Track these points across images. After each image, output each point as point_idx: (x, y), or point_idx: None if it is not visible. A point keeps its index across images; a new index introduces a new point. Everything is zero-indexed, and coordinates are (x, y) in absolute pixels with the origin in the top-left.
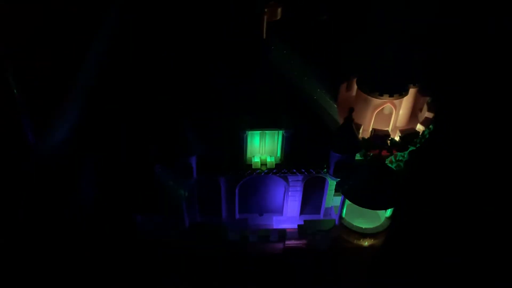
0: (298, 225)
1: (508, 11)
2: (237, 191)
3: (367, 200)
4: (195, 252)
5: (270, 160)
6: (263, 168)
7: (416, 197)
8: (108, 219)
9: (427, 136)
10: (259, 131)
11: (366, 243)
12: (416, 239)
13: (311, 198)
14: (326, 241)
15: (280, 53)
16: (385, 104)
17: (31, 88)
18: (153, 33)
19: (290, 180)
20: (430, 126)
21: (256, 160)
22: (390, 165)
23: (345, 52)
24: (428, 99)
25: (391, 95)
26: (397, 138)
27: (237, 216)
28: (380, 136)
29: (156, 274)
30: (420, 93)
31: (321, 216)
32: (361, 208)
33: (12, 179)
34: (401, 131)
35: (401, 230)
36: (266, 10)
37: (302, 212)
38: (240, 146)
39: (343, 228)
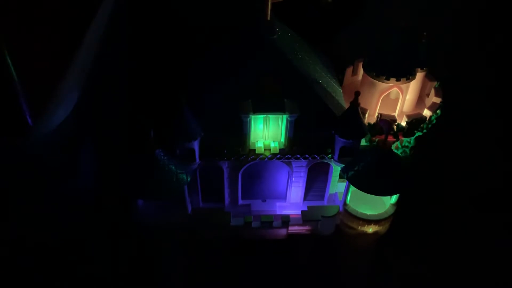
0: (302, 211)
1: None
2: (240, 176)
3: (372, 186)
4: (197, 237)
5: (274, 145)
6: (267, 153)
7: (422, 183)
8: (108, 204)
9: (434, 121)
10: (262, 116)
11: (370, 229)
12: (421, 225)
13: (315, 184)
14: (330, 227)
15: (284, 36)
16: (391, 88)
17: (29, 70)
18: (152, 13)
19: (294, 165)
20: (438, 111)
21: (260, 145)
22: (396, 150)
23: (351, 35)
24: (435, 83)
25: (397, 79)
26: (403, 123)
27: (240, 201)
28: (386, 121)
29: (157, 261)
30: (428, 77)
31: (325, 202)
32: (366, 194)
33: (10, 165)
34: (407, 116)
35: (406, 216)
36: None
37: (305, 198)
38: (243, 131)
39: (347, 215)
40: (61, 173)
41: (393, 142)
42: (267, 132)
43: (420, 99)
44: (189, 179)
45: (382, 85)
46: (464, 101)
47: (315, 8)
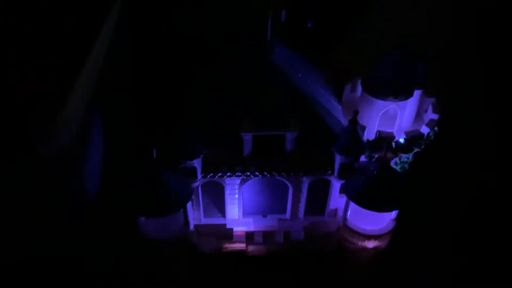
0: (303, 227)
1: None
2: (241, 192)
3: (372, 202)
4: (199, 253)
5: (275, 162)
6: (268, 169)
7: (421, 199)
8: (111, 221)
9: (432, 137)
10: (263, 134)
11: (370, 244)
12: (421, 241)
13: (316, 200)
14: (330, 243)
15: (284, 55)
16: (390, 105)
17: (34, 89)
18: (154, 31)
19: (294, 182)
20: (435, 128)
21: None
22: (395, 166)
23: (350, 53)
24: (433, 100)
25: (396, 97)
26: (402, 140)
27: (241, 217)
28: (385, 138)
29: (158, 274)
30: (425, 94)
31: (325, 218)
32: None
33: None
34: (406, 132)
35: (406, 231)
36: (270, 12)
37: (306, 213)
38: (244, 148)
39: (348, 230)
40: (65, 188)
41: (392, 158)
42: (267, 148)
43: (418, 116)
44: (191, 197)
45: (380, 102)
46: (461, 115)
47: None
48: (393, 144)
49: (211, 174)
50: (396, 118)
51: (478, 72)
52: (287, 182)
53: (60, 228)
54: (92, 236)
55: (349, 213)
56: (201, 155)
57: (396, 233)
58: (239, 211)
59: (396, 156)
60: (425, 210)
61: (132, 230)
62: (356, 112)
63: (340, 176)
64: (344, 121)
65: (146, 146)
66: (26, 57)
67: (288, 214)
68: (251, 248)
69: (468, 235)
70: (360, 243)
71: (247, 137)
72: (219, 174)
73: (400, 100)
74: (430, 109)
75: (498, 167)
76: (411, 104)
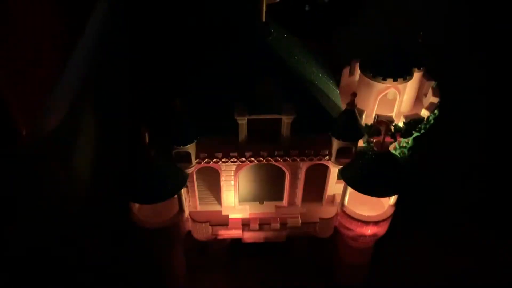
0: (300, 213)
1: None
2: (237, 179)
3: (370, 187)
4: (194, 240)
5: (271, 147)
6: (264, 155)
7: (420, 184)
8: (103, 208)
9: (432, 121)
10: (258, 118)
11: (369, 231)
12: (420, 226)
13: (313, 186)
14: (328, 229)
15: (279, 37)
16: (388, 89)
17: (20, 78)
18: (149, 14)
19: (291, 167)
20: (435, 111)
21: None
22: (393, 151)
23: (348, 34)
24: (433, 83)
25: (395, 79)
26: (401, 124)
27: (237, 204)
28: (383, 122)
29: (153, 262)
30: (425, 77)
31: (323, 204)
32: (364, 195)
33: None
34: (405, 116)
35: (404, 217)
36: None
37: (303, 199)
38: (240, 133)
39: (346, 216)
40: (55, 176)
41: (391, 143)
42: (264, 133)
43: (418, 99)
44: (185, 183)
45: (379, 85)
46: (462, 100)
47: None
48: (392, 128)
49: (206, 159)
50: (395, 102)
51: (479, 56)
52: (283, 168)
53: (52, 219)
54: (85, 225)
55: (346, 199)
56: (195, 140)
57: (395, 219)
58: (235, 197)
59: (395, 141)
60: (425, 195)
61: (125, 218)
62: (354, 95)
63: (338, 161)
64: (342, 105)
65: (139, 131)
66: (10, 37)
67: (285, 201)
68: (247, 235)
69: (468, 220)
70: (358, 229)
71: (242, 122)
72: (214, 159)
73: (400, 83)
74: (430, 92)
75: (499, 152)
76: (410, 88)
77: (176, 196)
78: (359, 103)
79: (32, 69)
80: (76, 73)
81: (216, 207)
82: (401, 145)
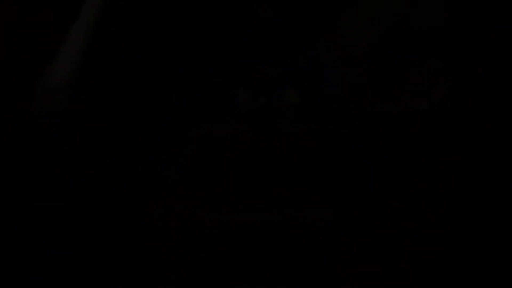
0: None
1: None
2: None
3: None
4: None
5: (272, 134)
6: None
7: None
8: (102, 194)
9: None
10: (259, 104)
11: None
12: (421, 219)
13: None
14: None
15: (273, 24)
16: None
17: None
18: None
19: None
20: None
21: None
22: None
23: (348, 26)
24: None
25: None
26: None
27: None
28: None
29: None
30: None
31: None
32: None
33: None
34: None
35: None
36: None
37: None
38: (240, 120)
39: None
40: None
41: None
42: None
43: None
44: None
45: None
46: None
47: None
48: None
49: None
50: None
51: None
52: None
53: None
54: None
55: None
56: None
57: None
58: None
59: None
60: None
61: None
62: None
63: None
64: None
65: (137, 116)
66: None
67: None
68: (248, 223)
69: (469, 215)
70: None
71: (243, 108)
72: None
73: None
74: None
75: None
76: None
77: None
78: None
79: (29, 37)
80: (76, 46)
81: None
82: None
